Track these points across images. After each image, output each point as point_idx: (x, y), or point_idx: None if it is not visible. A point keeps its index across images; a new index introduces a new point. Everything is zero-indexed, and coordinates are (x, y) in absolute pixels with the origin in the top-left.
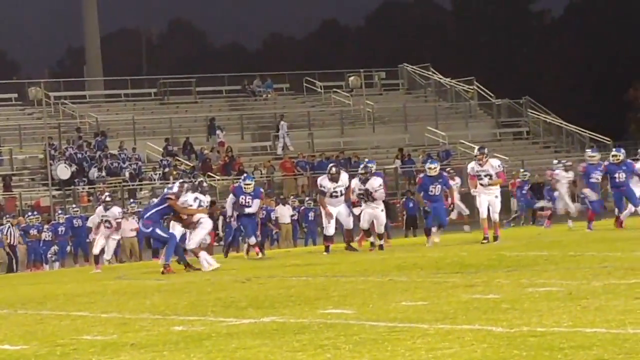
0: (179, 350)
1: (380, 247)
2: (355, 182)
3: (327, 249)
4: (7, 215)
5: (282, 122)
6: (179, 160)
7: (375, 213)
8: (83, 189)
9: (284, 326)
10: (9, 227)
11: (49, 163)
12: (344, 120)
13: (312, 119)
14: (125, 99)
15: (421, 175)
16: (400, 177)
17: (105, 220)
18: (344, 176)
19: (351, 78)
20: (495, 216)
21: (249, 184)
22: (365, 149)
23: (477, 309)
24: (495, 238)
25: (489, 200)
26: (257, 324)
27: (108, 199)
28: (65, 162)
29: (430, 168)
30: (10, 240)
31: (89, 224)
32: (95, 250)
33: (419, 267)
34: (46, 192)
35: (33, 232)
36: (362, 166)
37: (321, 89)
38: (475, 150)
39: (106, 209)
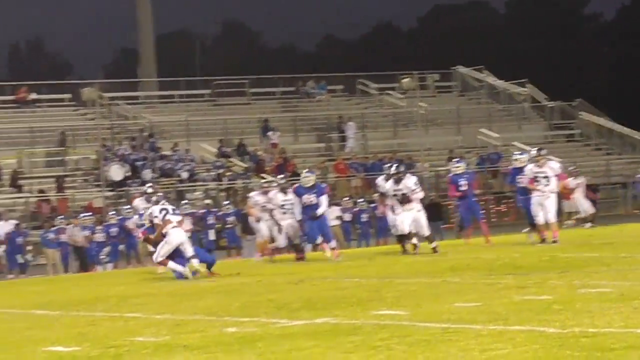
0: (232, 352)
1: (434, 249)
2: (389, 184)
3: (403, 249)
4: (60, 217)
5: (349, 123)
6: (232, 162)
7: (414, 215)
8: (136, 190)
9: (337, 327)
10: (72, 227)
11: (102, 164)
12: (397, 122)
13: (365, 120)
14: (179, 100)
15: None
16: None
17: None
18: (407, 180)
19: (405, 80)
20: (550, 217)
21: (308, 177)
22: (418, 151)
23: (530, 310)
24: (555, 241)
25: (544, 202)
26: (310, 325)
27: (150, 190)
28: (118, 163)
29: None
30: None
31: (130, 225)
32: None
33: (472, 269)
34: (99, 193)
35: (86, 232)
36: (394, 166)
37: (374, 90)
38: (534, 152)
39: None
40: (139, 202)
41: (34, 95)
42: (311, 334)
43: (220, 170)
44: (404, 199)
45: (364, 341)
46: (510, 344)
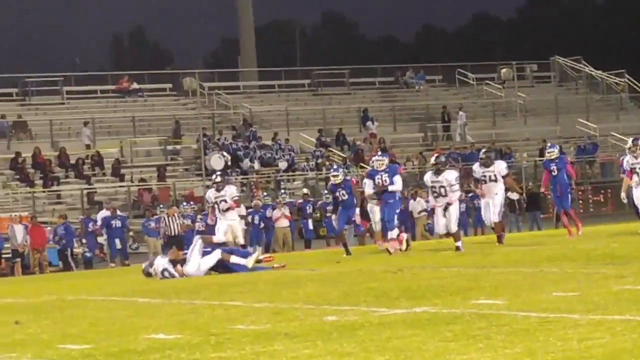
0: (332, 340)
1: (457, 248)
2: (428, 175)
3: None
4: (162, 205)
5: (460, 113)
6: (331, 151)
7: (449, 210)
8: (236, 179)
9: (436, 316)
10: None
11: (203, 153)
12: (496, 112)
13: (464, 110)
14: (278, 89)
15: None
16: None
17: (221, 200)
18: (497, 164)
19: (503, 70)
20: None
21: (381, 160)
22: (517, 141)
23: (628, 300)
24: None
25: None
26: (409, 314)
27: (218, 179)
28: (219, 153)
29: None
30: (172, 230)
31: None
32: (220, 236)
33: (570, 259)
34: (200, 182)
35: (187, 222)
36: (434, 157)
37: (473, 80)
38: (629, 142)
39: (219, 190)
40: (210, 193)
41: (135, 85)
42: (410, 322)
43: (320, 160)
44: (440, 192)
45: (463, 330)
46: (609, 334)
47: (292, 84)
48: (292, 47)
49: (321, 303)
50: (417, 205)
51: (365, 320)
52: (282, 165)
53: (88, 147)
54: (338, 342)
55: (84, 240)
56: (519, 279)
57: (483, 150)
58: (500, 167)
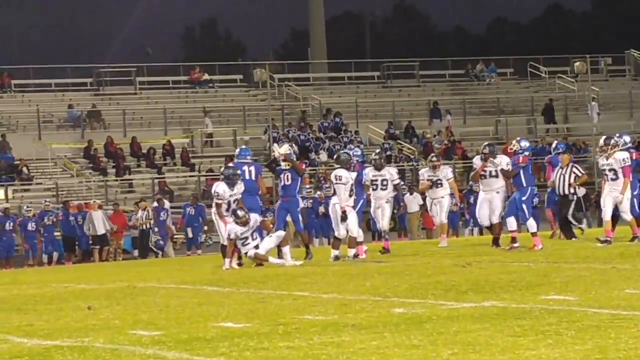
0: (400, 332)
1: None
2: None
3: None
4: None
5: (592, 103)
6: (400, 144)
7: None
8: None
9: (505, 311)
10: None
11: (271, 144)
12: (568, 105)
13: (535, 104)
14: (348, 81)
15: None
16: None
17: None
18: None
19: (576, 63)
20: None
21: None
22: (589, 136)
23: None
24: None
25: None
26: (477, 308)
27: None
28: (287, 144)
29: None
30: None
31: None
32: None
33: None
34: (268, 174)
35: None
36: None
37: (545, 74)
38: (601, 141)
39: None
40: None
41: (206, 76)
42: (479, 316)
43: (389, 153)
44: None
45: (532, 326)
46: None
47: (361, 75)
48: (362, 38)
49: (389, 295)
50: (413, 201)
51: (433, 313)
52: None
53: (210, 135)
54: (406, 335)
55: (155, 229)
56: (590, 274)
57: (485, 144)
58: (503, 161)
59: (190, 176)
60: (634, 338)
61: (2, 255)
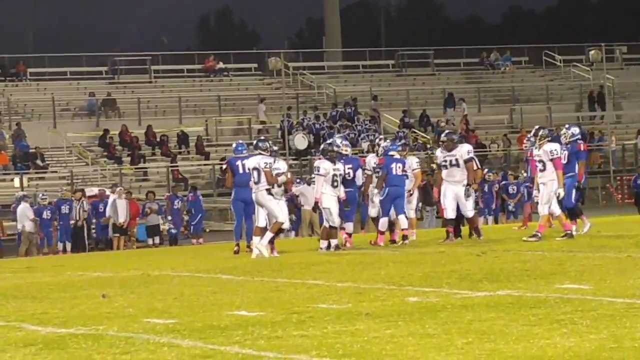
0: (414, 321)
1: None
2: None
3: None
4: None
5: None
6: (415, 132)
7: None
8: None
9: (520, 300)
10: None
11: (287, 132)
12: (584, 94)
13: (550, 92)
14: (363, 70)
15: None
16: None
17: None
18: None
19: (592, 52)
20: None
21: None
22: (605, 124)
23: None
24: None
25: None
26: (492, 297)
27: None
28: (302, 132)
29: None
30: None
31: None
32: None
33: None
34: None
35: None
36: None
37: (560, 62)
38: (533, 132)
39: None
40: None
41: (221, 65)
42: (493, 305)
43: (403, 141)
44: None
45: (547, 315)
46: None
47: (376, 64)
48: (377, 27)
49: (403, 284)
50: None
51: (447, 302)
52: (364, 145)
53: (263, 122)
54: (420, 323)
55: (169, 217)
56: (605, 263)
57: (445, 132)
58: (462, 150)
59: (204, 164)
60: None
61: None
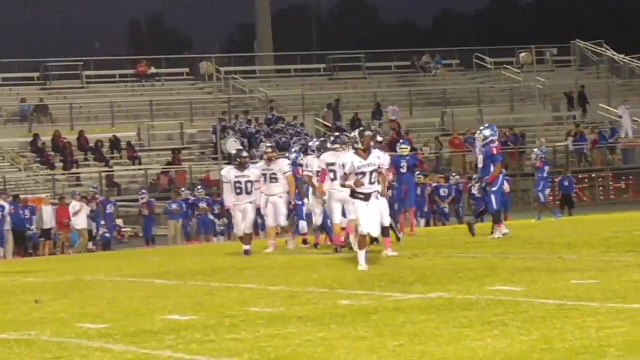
0: (346, 324)
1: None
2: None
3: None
4: (183, 189)
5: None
6: (347, 136)
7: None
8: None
9: (451, 302)
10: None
11: (219, 137)
12: (514, 96)
13: (481, 95)
14: (294, 74)
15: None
16: (570, 154)
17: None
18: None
19: (522, 54)
20: None
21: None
22: (535, 126)
23: None
24: None
25: None
26: (423, 300)
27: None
28: (234, 136)
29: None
30: None
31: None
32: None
33: (590, 246)
34: (216, 166)
35: (202, 205)
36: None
37: (491, 64)
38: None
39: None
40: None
41: (153, 70)
42: (425, 308)
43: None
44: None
45: (478, 316)
46: (629, 322)
47: (308, 68)
48: (308, 31)
49: (335, 287)
50: None
51: (379, 304)
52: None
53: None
54: (352, 326)
55: (102, 222)
56: (537, 265)
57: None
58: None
59: (138, 169)
60: (580, 328)
61: None
